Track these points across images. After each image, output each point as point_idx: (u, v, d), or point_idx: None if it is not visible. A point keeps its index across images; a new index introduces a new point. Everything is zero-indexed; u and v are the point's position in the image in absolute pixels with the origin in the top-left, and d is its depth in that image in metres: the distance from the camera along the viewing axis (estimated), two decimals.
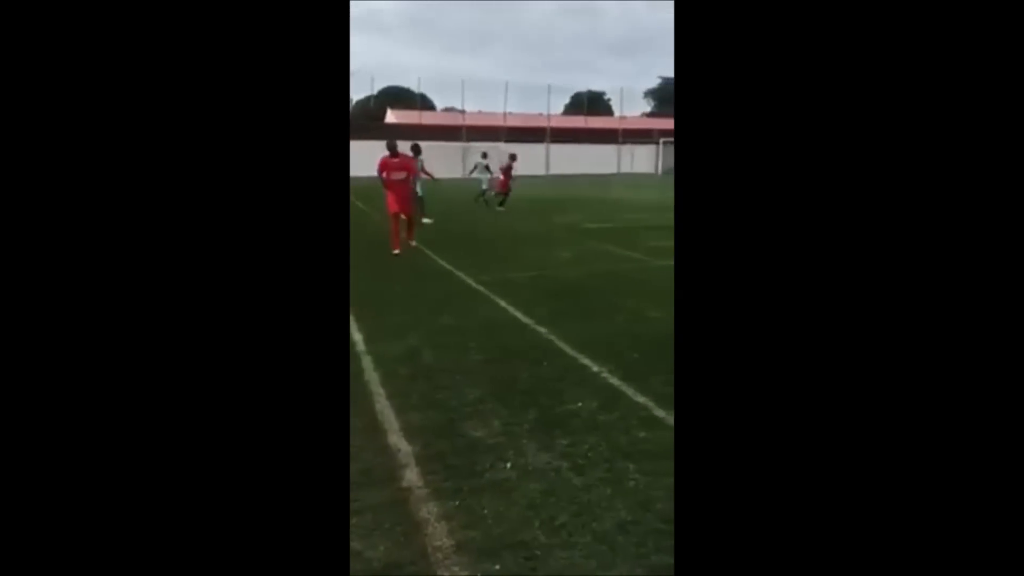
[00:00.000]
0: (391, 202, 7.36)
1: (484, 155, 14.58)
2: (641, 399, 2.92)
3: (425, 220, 10.26)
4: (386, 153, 7.42)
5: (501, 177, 13.47)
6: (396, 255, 7.01)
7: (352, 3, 1.02)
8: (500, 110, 33.56)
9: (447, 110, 36.57)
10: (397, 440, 2.50)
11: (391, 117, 34.19)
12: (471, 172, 14.46)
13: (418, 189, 10.42)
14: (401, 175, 7.35)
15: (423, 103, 34.60)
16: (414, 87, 34.27)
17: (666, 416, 2.73)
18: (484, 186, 13.80)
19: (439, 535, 1.88)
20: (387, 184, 7.32)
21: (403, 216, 7.40)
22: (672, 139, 33.77)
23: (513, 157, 13.96)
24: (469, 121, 32.22)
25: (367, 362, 3.45)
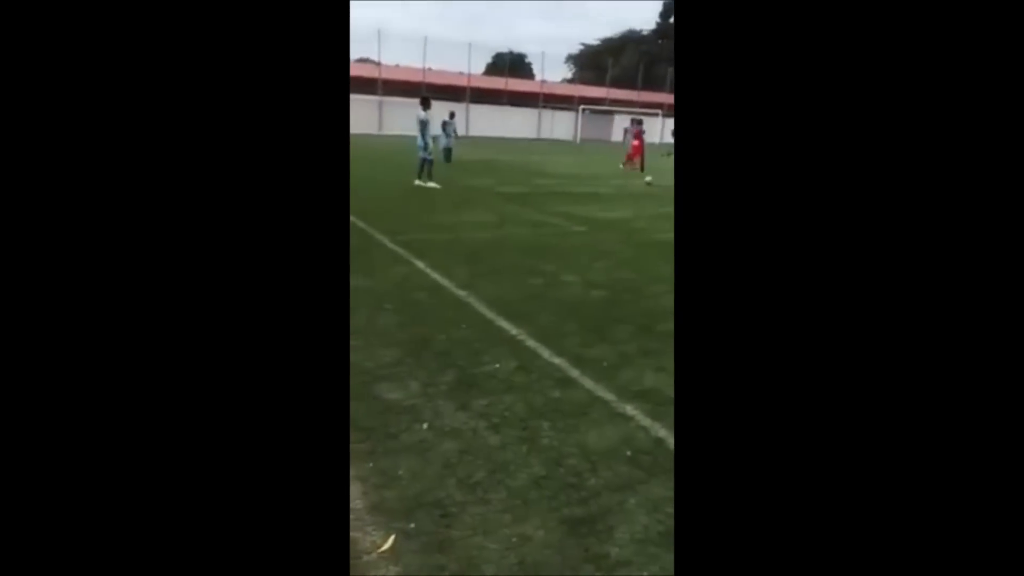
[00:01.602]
0: None
1: (452, 115, 14.07)
2: (556, 360, 3.00)
3: (427, 183, 9.74)
4: None
5: (635, 142, 14.28)
6: None
7: None
8: (418, 64, 32.36)
9: (361, 61, 34.69)
10: None
11: None
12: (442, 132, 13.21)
13: (426, 151, 9.95)
14: None
15: None
16: None
17: (579, 376, 2.83)
18: (443, 144, 13.16)
19: (353, 496, 1.85)
20: None
21: None
22: (591, 106, 34.31)
23: (640, 123, 14.69)
24: (386, 75, 30.84)
25: None
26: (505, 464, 2.07)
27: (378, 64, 31.46)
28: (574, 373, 2.86)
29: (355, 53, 36.58)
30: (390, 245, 5.42)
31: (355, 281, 4.18)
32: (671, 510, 1.86)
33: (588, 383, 2.76)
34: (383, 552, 1.65)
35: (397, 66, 32.55)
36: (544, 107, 36.01)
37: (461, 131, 30.54)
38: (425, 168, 9.94)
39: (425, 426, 2.29)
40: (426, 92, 13.28)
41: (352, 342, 3.09)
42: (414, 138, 10.30)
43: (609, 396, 2.63)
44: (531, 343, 3.22)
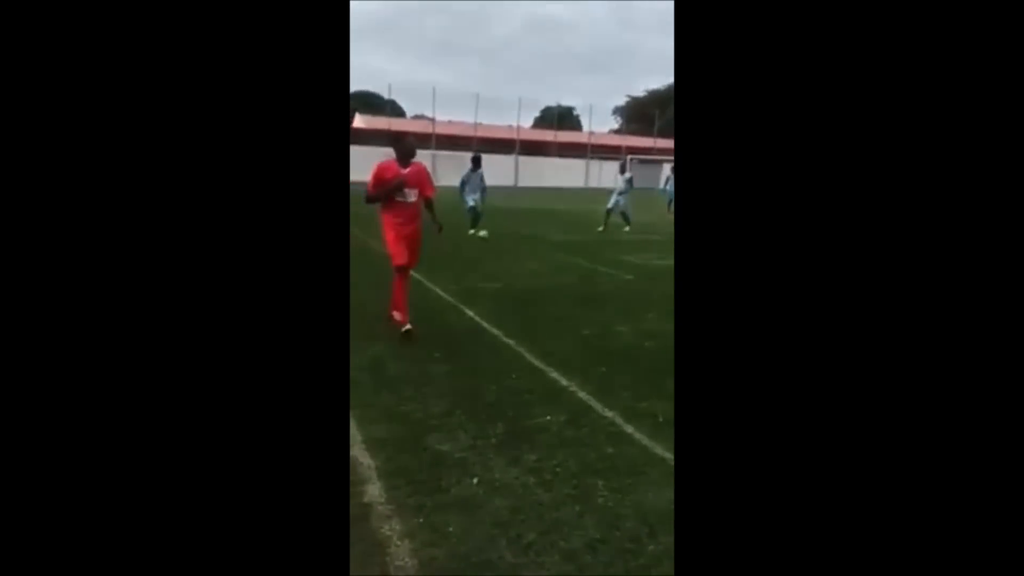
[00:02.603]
0: (394, 243, 4.01)
1: (475, 163, 10.01)
2: (609, 414, 2.91)
3: (482, 233, 9.33)
4: (388, 158, 4.04)
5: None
6: (406, 330, 3.96)
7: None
8: (470, 120, 33.65)
9: (417, 117, 36.39)
10: (359, 453, 2.41)
11: (359, 122, 33.82)
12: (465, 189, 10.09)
13: (472, 201, 9.72)
14: (411, 197, 4.01)
15: (393, 110, 34.40)
16: (385, 93, 34.11)
17: (634, 432, 2.72)
18: (471, 202, 10.05)
19: (402, 554, 1.81)
20: (388, 211, 4.01)
21: (408, 267, 4.10)
22: (639, 156, 34.56)
23: None
24: (439, 130, 32.16)
25: None
26: (558, 524, 1.98)
27: (432, 120, 32.91)
28: (628, 428, 2.76)
29: (411, 111, 38.56)
30: (441, 294, 5.49)
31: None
32: None
33: (643, 439, 2.65)
34: None
35: (449, 122, 33.95)
36: (592, 157, 36.53)
37: (510, 182, 31.08)
38: (472, 217, 10.05)
39: (475, 480, 2.24)
40: (476, 148, 12.10)
41: (403, 391, 3.10)
42: (496, 187, 10.33)
43: (666, 454, 2.51)
44: (582, 395, 3.14)
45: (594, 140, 37.56)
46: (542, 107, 42.86)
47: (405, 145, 4.10)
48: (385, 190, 3.97)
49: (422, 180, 4.11)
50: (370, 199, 4.01)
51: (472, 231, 9.90)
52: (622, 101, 53.38)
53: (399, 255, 4.02)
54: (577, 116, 45.06)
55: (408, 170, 4.02)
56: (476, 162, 10.26)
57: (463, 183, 10.24)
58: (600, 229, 11.50)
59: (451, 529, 1.93)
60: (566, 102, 59.15)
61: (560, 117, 39.76)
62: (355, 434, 2.58)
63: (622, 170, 12.25)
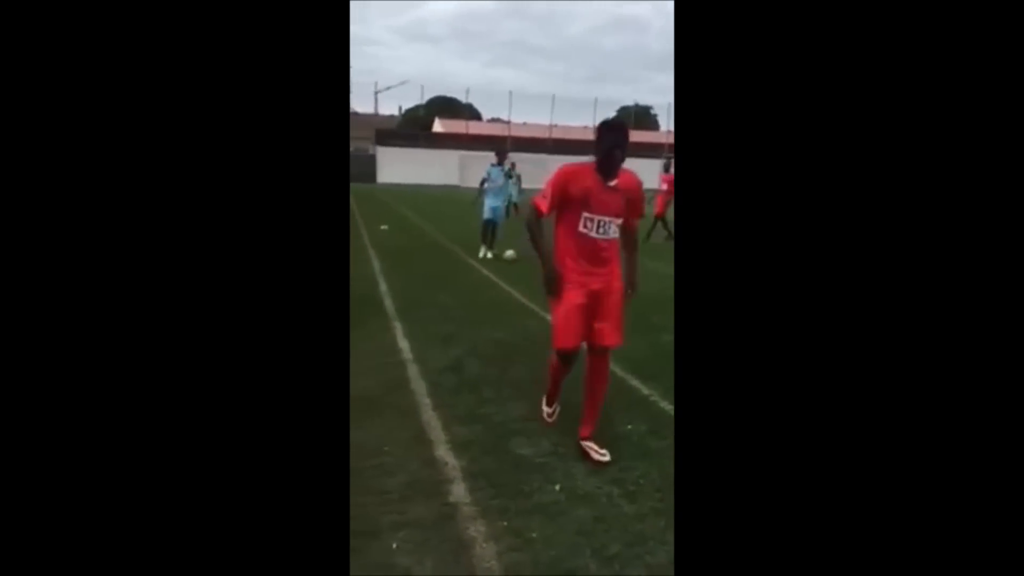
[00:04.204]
0: (567, 308, 2.36)
1: (499, 159, 8.11)
2: None
3: (508, 254, 7.61)
4: (571, 162, 2.43)
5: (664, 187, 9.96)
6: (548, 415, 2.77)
7: (398, 15, 1.03)
8: (546, 122, 33.71)
9: (493, 121, 36.93)
10: (444, 454, 2.48)
11: (438, 126, 34.74)
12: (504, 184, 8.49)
13: (489, 212, 7.81)
14: (610, 230, 2.38)
15: (470, 113, 35.09)
16: (462, 98, 34.84)
17: None
18: (512, 199, 9.78)
19: (487, 556, 1.84)
20: (568, 250, 2.41)
21: (602, 347, 2.47)
22: None
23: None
24: (515, 132, 32.45)
25: (414, 371, 3.46)
26: (643, 537, 1.95)
27: (508, 123, 33.28)
28: None
29: (487, 114, 39.17)
30: (517, 296, 5.54)
31: (487, 333, 4.30)
32: None
33: None
34: None
35: (524, 124, 34.18)
36: (669, 157, 35.65)
37: None
38: (488, 233, 7.85)
39: (558, 487, 2.25)
40: (551, 149, 9.00)
41: (483, 393, 3.15)
42: (535, 191, 10.20)
43: None
44: (664, 405, 3.07)
45: (671, 139, 36.59)
46: (619, 107, 42.25)
47: (617, 136, 2.30)
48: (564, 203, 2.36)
49: (634, 199, 2.44)
50: (534, 225, 2.43)
51: (483, 252, 7.72)
52: None
53: (568, 330, 2.36)
54: (655, 115, 44.08)
55: (615, 182, 2.34)
56: (500, 156, 7.84)
57: (483, 182, 8.01)
58: (666, 236, 10.36)
59: (535, 535, 1.95)
60: (644, 101, 58.06)
61: (637, 116, 39.02)
62: (440, 435, 2.66)
63: (665, 170, 10.65)
